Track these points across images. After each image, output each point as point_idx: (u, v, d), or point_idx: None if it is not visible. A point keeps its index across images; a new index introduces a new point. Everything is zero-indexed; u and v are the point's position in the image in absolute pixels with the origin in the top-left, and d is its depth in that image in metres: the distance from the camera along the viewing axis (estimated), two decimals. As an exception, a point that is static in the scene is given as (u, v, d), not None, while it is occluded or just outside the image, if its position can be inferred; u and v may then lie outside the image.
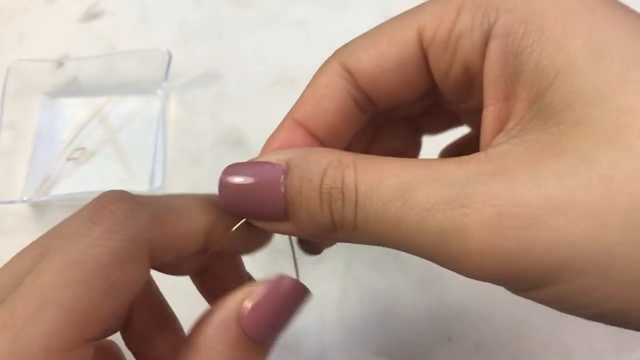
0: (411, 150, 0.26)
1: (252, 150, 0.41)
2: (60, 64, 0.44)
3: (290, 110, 0.21)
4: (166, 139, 0.41)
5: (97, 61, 0.44)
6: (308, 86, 0.21)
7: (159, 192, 0.40)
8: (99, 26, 0.48)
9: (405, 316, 0.36)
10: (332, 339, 0.35)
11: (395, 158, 0.18)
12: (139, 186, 0.40)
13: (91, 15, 0.48)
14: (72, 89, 0.44)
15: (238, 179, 0.19)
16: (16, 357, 0.15)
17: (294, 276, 0.20)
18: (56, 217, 0.41)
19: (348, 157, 0.18)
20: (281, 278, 0.19)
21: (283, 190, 0.18)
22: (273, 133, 0.21)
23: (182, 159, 0.42)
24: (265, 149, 0.21)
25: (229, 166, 0.20)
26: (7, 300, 0.16)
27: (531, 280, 0.16)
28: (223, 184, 0.19)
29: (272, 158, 0.19)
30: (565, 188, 0.15)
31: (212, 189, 0.45)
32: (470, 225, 0.16)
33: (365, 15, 0.45)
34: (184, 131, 0.43)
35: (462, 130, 0.26)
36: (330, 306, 0.36)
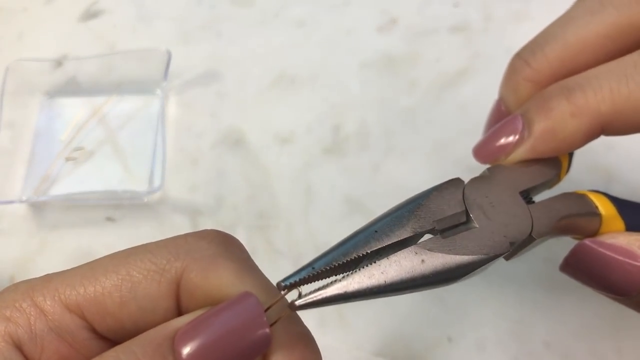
0: None
1: (252, 150, 0.41)
2: (59, 63, 0.44)
3: None
4: (166, 138, 0.41)
5: (96, 61, 0.44)
6: None
7: (158, 192, 0.40)
8: (98, 25, 0.47)
9: (405, 316, 0.35)
10: (332, 339, 0.35)
11: None
12: (139, 186, 0.40)
13: (90, 15, 0.48)
14: (71, 88, 0.44)
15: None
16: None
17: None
18: (55, 217, 0.41)
19: None
20: (243, 295, 0.17)
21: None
22: None
23: (182, 159, 0.41)
24: None
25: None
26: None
27: None
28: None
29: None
30: None
31: (212, 189, 0.45)
32: None
33: (365, 15, 0.45)
34: (183, 131, 0.43)
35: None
36: (329, 306, 0.36)
